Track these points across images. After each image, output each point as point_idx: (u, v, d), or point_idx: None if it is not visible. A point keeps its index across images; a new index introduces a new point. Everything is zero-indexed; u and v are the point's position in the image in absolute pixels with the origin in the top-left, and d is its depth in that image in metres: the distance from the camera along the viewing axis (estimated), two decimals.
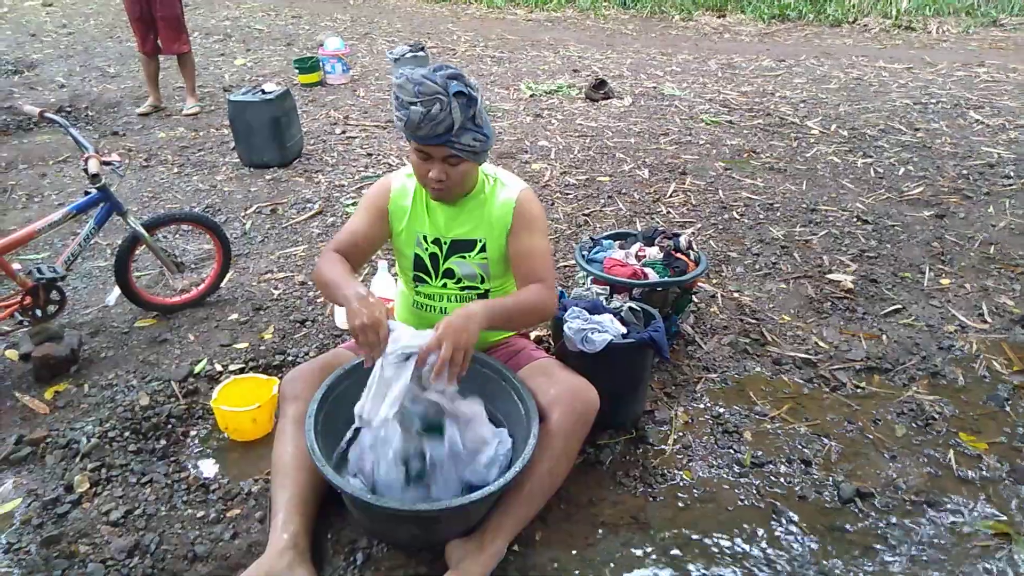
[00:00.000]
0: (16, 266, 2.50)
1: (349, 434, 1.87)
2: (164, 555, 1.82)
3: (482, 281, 2.01)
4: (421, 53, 6.08)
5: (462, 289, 2.01)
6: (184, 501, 2.00)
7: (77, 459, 2.14)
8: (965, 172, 4.40)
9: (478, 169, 1.91)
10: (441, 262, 1.99)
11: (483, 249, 1.97)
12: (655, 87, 6.46)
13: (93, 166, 2.49)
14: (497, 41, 8.71)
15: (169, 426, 2.29)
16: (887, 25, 9.35)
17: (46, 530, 1.89)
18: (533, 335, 2.72)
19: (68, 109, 5.73)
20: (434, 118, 1.66)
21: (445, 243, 1.97)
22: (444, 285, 2.01)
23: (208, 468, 2.15)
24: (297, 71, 6.53)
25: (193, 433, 2.29)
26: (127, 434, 2.24)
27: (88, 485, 2.04)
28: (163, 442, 2.23)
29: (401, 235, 2.01)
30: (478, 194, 1.95)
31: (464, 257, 1.97)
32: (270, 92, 4.42)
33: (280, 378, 2.20)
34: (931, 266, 3.31)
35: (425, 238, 1.98)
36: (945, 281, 3.19)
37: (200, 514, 1.95)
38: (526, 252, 1.93)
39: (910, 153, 4.74)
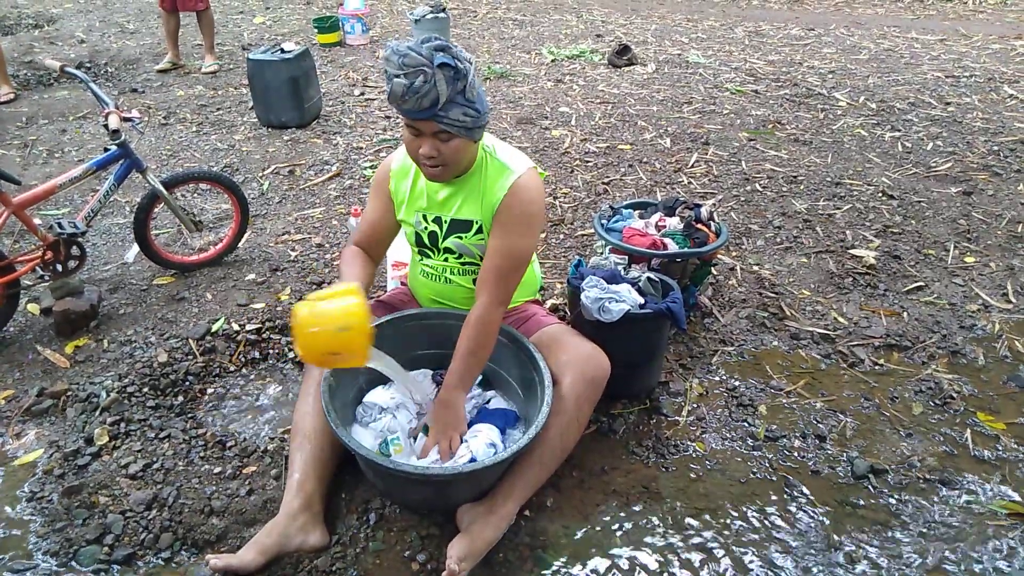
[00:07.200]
0: (37, 221, 2.52)
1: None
2: (181, 508, 1.85)
3: (480, 259, 1.94)
4: (442, 14, 5.98)
5: (463, 264, 1.98)
6: (201, 457, 2.03)
7: (97, 413, 2.18)
8: (996, 148, 4.29)
9: (476, 146, 1.81)
10: (440, 241, 1.95)
11: (480, 231, 1.89)
12: (679, 54, 6.33)
13: (113, 122, 2.48)
14: (519, 3, 8.55)
15: (187, 383, 2.32)
16: None
17: (67, 480, 1.93)
18: (549, 303, 2.71)
19: (88, 65, 5.72)
20: (418, 91, 1.58)
21: (445, 222, 1.92)
22: (445, 259, 1.99)
23: (224, 425, 2.17)
24: (316, 30, 6.47)
25: (210, 391, 2.31)
26: (145, 390, 2.27)
27: (108, 438, 2.08)
28: (181, 399, 2.26)
29: (403, 213, 1.98)
30: (477, 172, 1.86)
31: (461, 238, 1.92)
32: (289, 51, 4.37)
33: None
34: (956, 243, 3.25)
35: (425, 216, 1.94)
36: (970, 259, 3.13)
37: (217, 470, 1.98)
38: (495, 250, 1.83)
39: (939, 128, 4.62)
